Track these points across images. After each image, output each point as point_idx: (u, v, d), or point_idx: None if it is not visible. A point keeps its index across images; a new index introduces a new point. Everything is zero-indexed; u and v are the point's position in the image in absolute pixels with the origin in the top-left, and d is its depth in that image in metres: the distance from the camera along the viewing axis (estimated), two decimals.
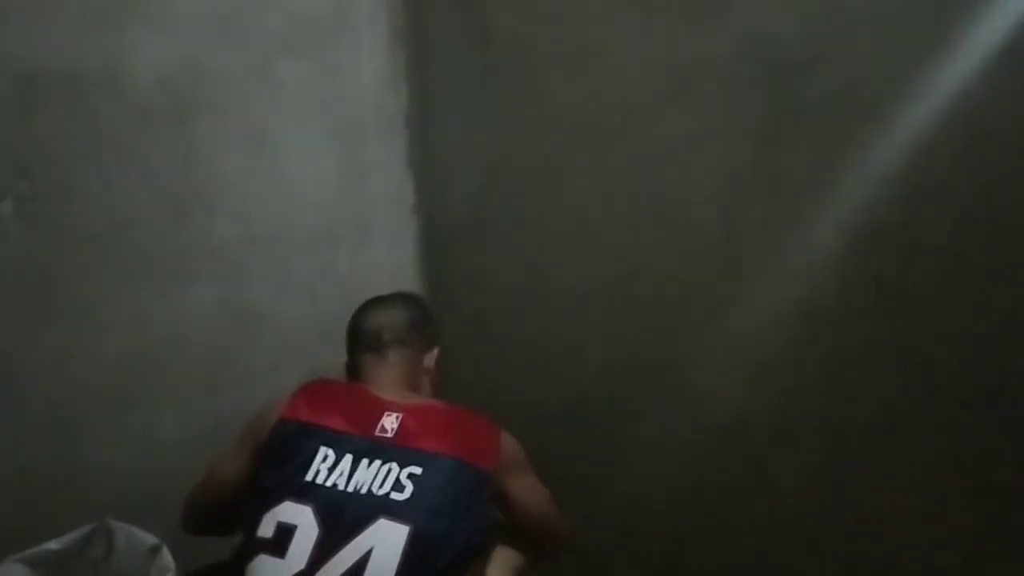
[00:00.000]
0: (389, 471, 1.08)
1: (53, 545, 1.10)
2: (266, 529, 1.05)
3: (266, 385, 1.65)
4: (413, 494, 1.06)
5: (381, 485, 1.07)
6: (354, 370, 1.33)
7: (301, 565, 1.00)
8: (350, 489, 1.06)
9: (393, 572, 0.99)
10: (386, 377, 1.28)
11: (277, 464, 1.11)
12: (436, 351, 1.39)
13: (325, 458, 1.09)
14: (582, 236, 1.70)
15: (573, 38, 1.65)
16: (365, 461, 1.09)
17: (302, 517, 1.04)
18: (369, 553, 1.01)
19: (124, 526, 1.18)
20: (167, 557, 1.12)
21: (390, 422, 1.14)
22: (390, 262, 1.96)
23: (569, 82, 1.67)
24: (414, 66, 1.96)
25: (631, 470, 1.73)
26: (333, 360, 1.76)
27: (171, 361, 1.59)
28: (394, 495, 1.05)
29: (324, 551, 1.01)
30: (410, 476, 1.08)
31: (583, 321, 1.74)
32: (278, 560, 1.02)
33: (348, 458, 1.09)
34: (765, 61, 1.39)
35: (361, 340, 1.34)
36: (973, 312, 1.24)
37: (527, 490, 1.24)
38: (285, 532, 1.03)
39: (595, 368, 1.74)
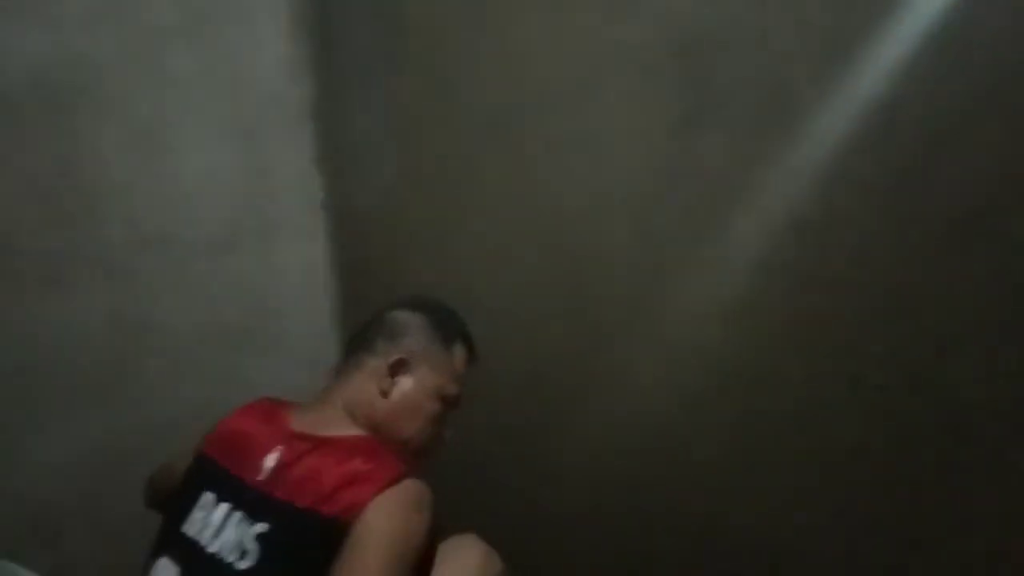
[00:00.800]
0: (245, 531, 0.95)
1: None
2: None
3: (164, 400, 1.55)
4: (254, 564, 0.93)
5: (231, 551, 0.95)
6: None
7: None
8: (211, 550, 0.96)
9: None
10: (334, 388, 1.11)
11: (174, 502, 1.05)
12: (410, 379, 1.13)
13: (204, 506, 1.00)
14: (500, 231, 1.64)
15: (485, 26, 1.58)
16: (236, 515, 0.97)
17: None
18: None
19: (5, 565, 1.08)
20: None
21: (272, 459, 1.01)
22: (299, 263, 1.85)
23: (482, 71, 1.60)
24: (318, 54, 1.85)
25: (553, 479, 1.69)
26: (237, 373, 1.69)
27: (55, 377, 1.47)
28: (238, 564, 0.93)
29: None
30: (257, 537, 0.94)
31: (504, 320, 1.68)
32: None
33: (223, 508, 0.99)
34: (680, 47, 1.35)
35: (351, 344, 1.16)
36: (891, 302, 1.24)
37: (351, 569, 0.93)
38: None
39: (518, 369, 1.69)
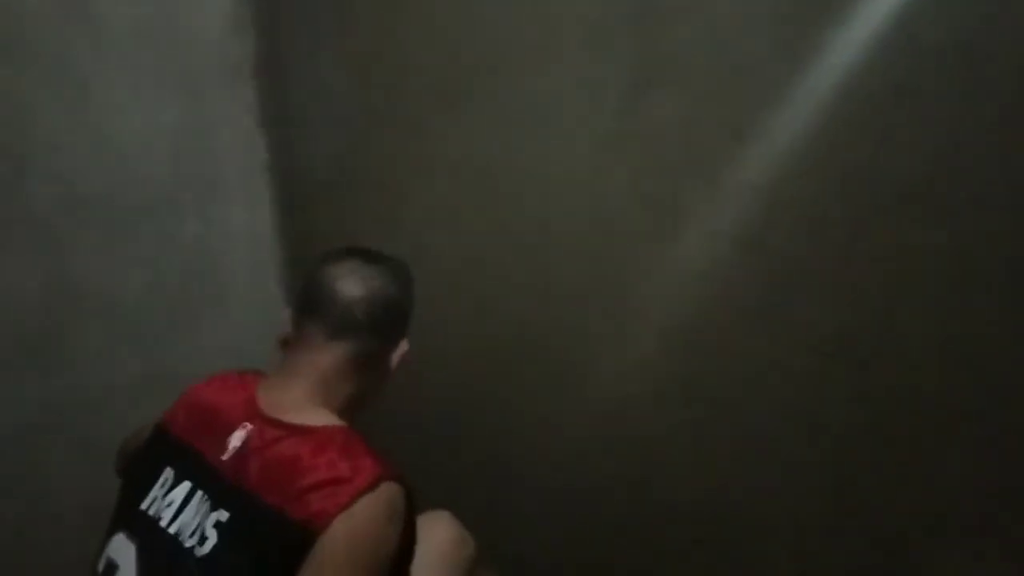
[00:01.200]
0: (202, 518, 0.92)
1: None
2: (101, 564, 0.97)
3: (102, 368, 1.49)
4: (211, 551, 0.89)
5: (192, 534, 0.91)
6: (294, 333, 1.05)
7: None
8: (172, 530, 0.92)
9: None
10: (306, 366, 1.01)
11: (131, 478, 1.02)
12: (392, 354, 1.11)
13: (164, 483, 0.96)
14: (450, 197, 1.61)
15: None
16: (198, 494, 0.94)
17: (124, 557, 0.94)
18: None
19: None
20: None
21: (238, 438, 0.95)
22: (244, 227, 1.80)
23: (431, 33, 1.55)
24: (263, 9, 1.78)
25: (506, 448, 1.69)
26: (179, 339, 1.63)
27: None
28: (198, 550, 0.90)
29: None
30: (216, 524, 0.90)
31: (456, 288, 1.66)
32: None
33: (185, 486, 0.95)
34: (631, 12, 1.32)
35: (320, 302, 1.02)
36: (843, 269, 1.25)
37: None
38: (109, 570, 0.96)
39: (471, 337, 1.67)
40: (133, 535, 0.95)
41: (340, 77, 1.72)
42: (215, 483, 0.93)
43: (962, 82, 1.10)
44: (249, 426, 0.96)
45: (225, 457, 0.95)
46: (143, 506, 0.96)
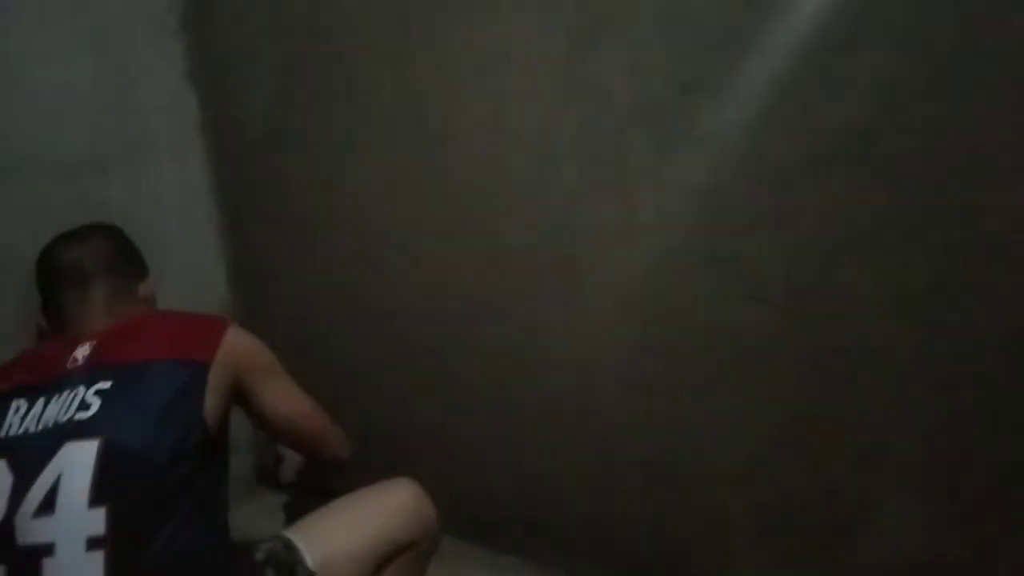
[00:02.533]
0: (75, 396, 1.03)
1: None
2: None
3: (23, 343, 1.42)
4: (100, 408, 1.01)
5: (66, 412, 1.01)
6: (54, 314, 1.21)
7: (1, 516, 0.95)
8: (39, 428, 1.00)
9: (87, 490, 0.95)
10: (90, 312, 1.18)
11: None
12: (150, 282, 1.32)
13: (17, 410, 1.04)
14: (390, 151, 1.56)
15: None
16: (55, 397, 1.03)
17: None
18: (58, 480, 0.96)
19: None
20: None
21: (82, 351, 1.09)
22: (174, 188, 1.73)
23: None
24: None
25: (459, 406, 1.69)
26: None
27: None
28: (79, 415, 1.01)
29: (18, 495, 0.95)
30: (97, 392, 1.03)
31: (396, 247, 1.63)
32: None
33: (40, 402, 1.03)
34: None
35: (60, 276, 1.20)
36: (791, 219, 1.25)
37: (277, 395, 1.23)
38: None
39: (412, 299, 1.65)
40: None
41: (270, 27, 1.64)
42: (74, 378, 1.05)
43: (909, 28, 1.09)
44: (90, 341, 1.11)
45: (74, 366, 1.07)
46: (0, 435, 1.02)
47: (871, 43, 1.11)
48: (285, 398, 1.25)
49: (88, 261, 1.21)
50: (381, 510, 1.18)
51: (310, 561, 1.05)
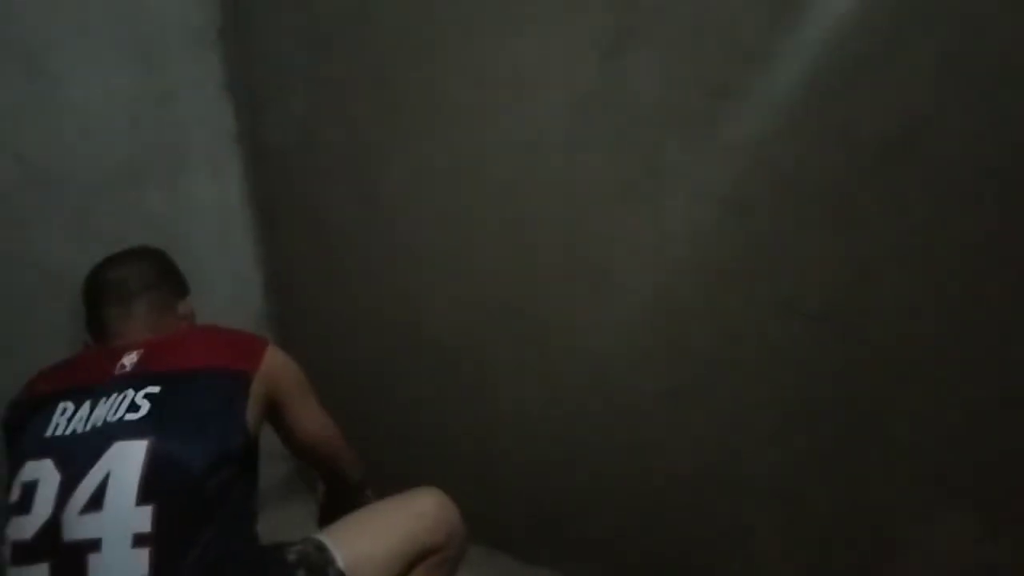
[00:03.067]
0: (124, 398, 1.06)
1: None
2: (14, 494, 1.01)
3: (64, 352, 1.44)
4: (150, 411, 1.04)
5: (115, 413, 1.04)
6: (98, 328, 1.25)
7: (47, 514, 0.97)
8: (88, 429, 1.03)
9: (135, 489, 0.97)
10: (132, 327, 1.22)
11: (17, 437, 1.09)
12: (188, 300, 1.36)
13: (64, 411, 1.06)
14: (422, 162, 1.56)
15: None
16: (103, 400, 1.06)
17: (43, 471, 1.00)
18: (107, 478, 0.98)
19: None
20: None
21: (129, 359, 1.13)
22: (212, 197, 1.75)
23: None
24: None
25: (486, 414, 1.67)
26: None
27: None
28: (128, 416, 1.04)
29: (65, 492, 0.98)
30: (146, 396, 1.06)
31: (427, 255, 1.63)
32: (25, 517, 0.98)
33: (87, 404, 1.06)
34: None
35: (104, 292, 1.25)
36: (823, 225, 1.22)
37: (305, 414, 1.28)
38: (29, 490, 1.00)
39: (442, 305, 1.64)
40: (44, 455, 1.02)
41: (305, 40, 1.65)
42: (123, 383, 1.08)
43: (947, 39, 1.06)
44: (136, 350, 1.14)
45: (125, 371, 1.11)
46: (47, 434, 1.04)
47: (909, 50, 1.09)
48: (313, 417, 1.30)
49: (132, 280, 1.25)
50: (408, 515, 1.21)
51: (340, 562, 1.08)
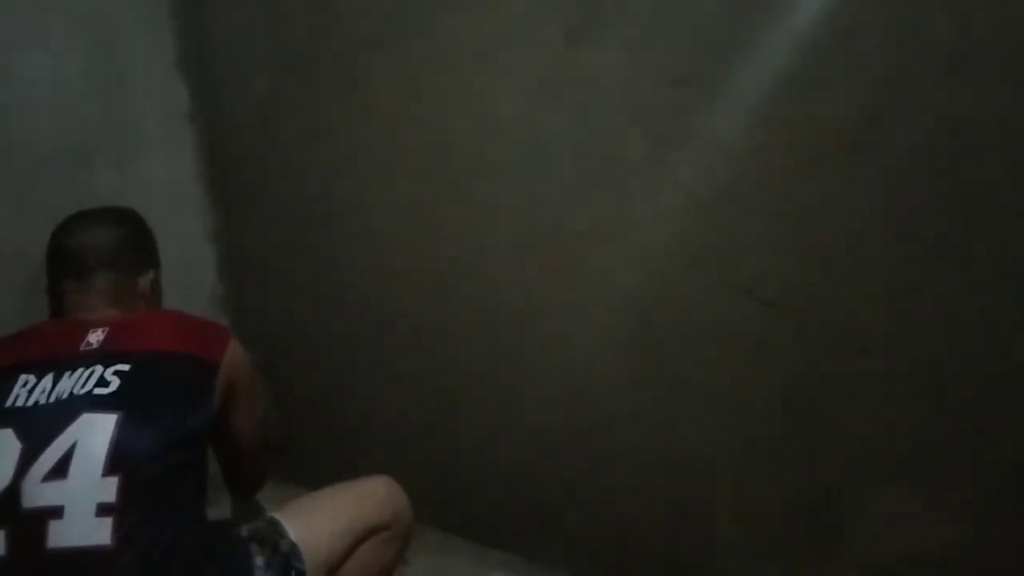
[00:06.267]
0: (92, 373, 1.07)
1: None
2: None
3: (13, 323, 1.41)
4: (120, 386, 1.05)
5: (84, 386, 1.05)
6: (56, 294, 1.24)
7: (5, 482, 0.97)
8: (51, 400, 1.03)
9: (102, 460, 0.99)
10: (91, 302, 1.22)
11: None
12: (152, 273, 1.34)
13: (25, 383, 1.06)
14: (384, 146, 1.55)
15: None
16: (67, 373, 1.06)
17: (2, 440, 1.00)
18: (73, 447, 0.99)
19: None
20: None
21: (96, 336, 1.13)
22: (164, 180, 1.71)
23: None
24: None
25: (457, 398, 1.69)
26: None
27: None
28: (97, 390, 1.05)
29: (26, 461, 0.98)
30: (116, 372, 1.07)
31: (390, 241, 1.62)
32: None
33: (49, 376, 1.06)
34: None
35: (63, 262, 1.24)
36: (780, 214, 1.25)
37: (246, 413, 1.30)
38: None
39: (407, 292, 1.64)
40: (3, 425, 1.01)
41: (262, 18, 1.63)
42: (90, 359, 1.08)
43: (906, 29, 1.09)
44: (102, 327, 1.14)
45: (92, 348, 1.11)
46: (6, 405, 1.03)
47: (866, 40, 1.11)
48: (250, 418, 1.33)
49: (90, 252, 1.23)
50: (357, 494, 1.29)
51: (292, 535, 1.14)
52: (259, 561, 1.09)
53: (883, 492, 1.29)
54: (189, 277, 1.81)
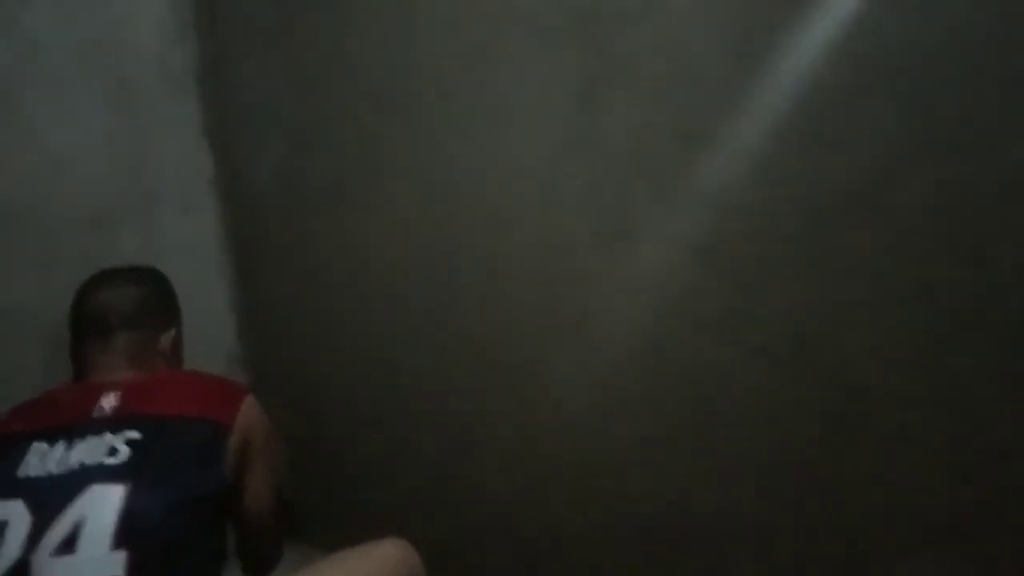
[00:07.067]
0: (103, 442, 1.06)
1: None
2: None
3: (36, 388, 1.41)
4: (130, 456, 1.04)
5: (93, 456, 1.04)
6: (78, 353, 1.25)
7: (16, 555, 0.95)
8: (62, 471, 1.02)
9: (110, 533, 0.97)
10: (111, 362, 1.22)
11: None
12: (173, 332, 1.34)
13: (38, 452, 1.05)
14: (399, 204, 1.58)
15: None
16: (79, 441, 1.06)
17: (12, 511, 0.98)
18: (82, 521, 0.97)
19: None
20: None
21: (108, 401, 1.12)
22: (187, 242, 1.74)
23: (376, 37, 1.52)
24: (203, 17, 1.73)
25: (462, 458, 1.66)
26: None
27: None
28: (108, 460, 1.03)
29: (37, 534, 0.96)
30: (127, 441, 1.06)
31: (403, 300, 1.63)
32: None
33: (62, 444, 1.05)
34: (579, 15, 1.31)
35: (85, 321, 1.24)
36: (789, 271, 1.24)
37: (260, 480, 1.25)
38: None
39: (423, 350, 1.64)
40: (15, 495, 0.99)
41: (284, 84, 1.68)
42: (101, 425, 1.07)
43: (907, 89, 1.10)
44: (115, 391, 1.13)
45: (104, 414, 1.10)
46: (19, 474, 1.02)
47: (872, 99, 1.12)
48: (266, 481, 1.27)
49: (112, 312, 1.24)
50: (370, 561, 1.22)
51: None
52: None
53: (910, 556, 1.24)
54: (208, 336, 1.82)
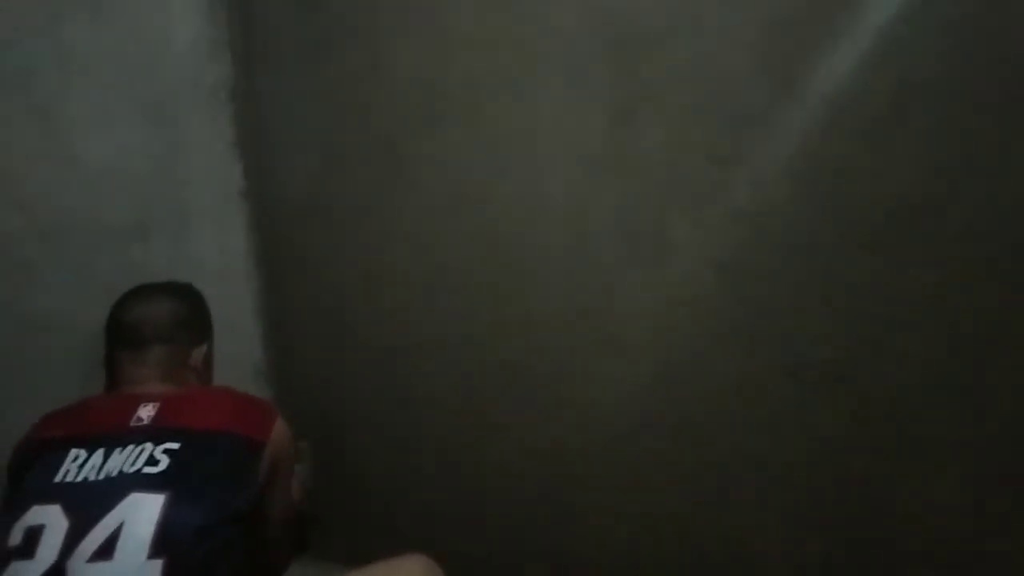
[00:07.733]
0: (143, 451, 1.07)
1: None
2: (15, 538, 1.00)
3: (71, 399, 1.43)
4: (169, 465, 1.06)
5: (133, 464, 1.05)
6: (111, 365, 1.28)
7: (52, 559, 0.96)
8: (100, 477, 1.04)
9: (148, 541, 0.98)
10: (144, 375, 1.24)
11: (24, 480, 1.08)
12: (205, 348, 1.37)
13: (76, 458, 1.07)
14: (430, 222, 1.58)
15: (411, 8, 1.51)
16: (118, 449, 1.07)
17: (50, 516, 1.00)
18: (120, 528, 0.99)
19: None
20: None
21: (147, 411, 1.14)
22: (217, 254, 1.76)
23: (408, 54, 1.53)
24: (237, 32, 1.75)
25: (485, 477, 1.65)
26: None
27: None
28: (147, 469, 1.05)
29: (73, 539, 0.98)
30: (166, 451, 1.08)
31: (430, 316, 1.63)
32: (27, 562, 0.97)
33: (100, 452, 1.07)
34: (612, 38, 1.31)
35: (120, 334, 1.28)
36: (827, 295, 1.23)
37: (282, 492, 1.29)
38: (33, 534, 0.99)
39: (451, 368, 1.63)
40: (52, 500, 1.01)
41: (316, 101, 1.69)
42: (140, 435, 1.09)
43: (946, 111, 1.09)
44: (153, 402, 1.15)
45: (142, 424, 1.12)
46: (56, 480, 1.04)
47: (911, 121, 1.11)
48: (286, 495, 1.33)
49: (146, 326, 1.27)
50: None
51: None
52: None
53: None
54: (235, 351, 1.83)
